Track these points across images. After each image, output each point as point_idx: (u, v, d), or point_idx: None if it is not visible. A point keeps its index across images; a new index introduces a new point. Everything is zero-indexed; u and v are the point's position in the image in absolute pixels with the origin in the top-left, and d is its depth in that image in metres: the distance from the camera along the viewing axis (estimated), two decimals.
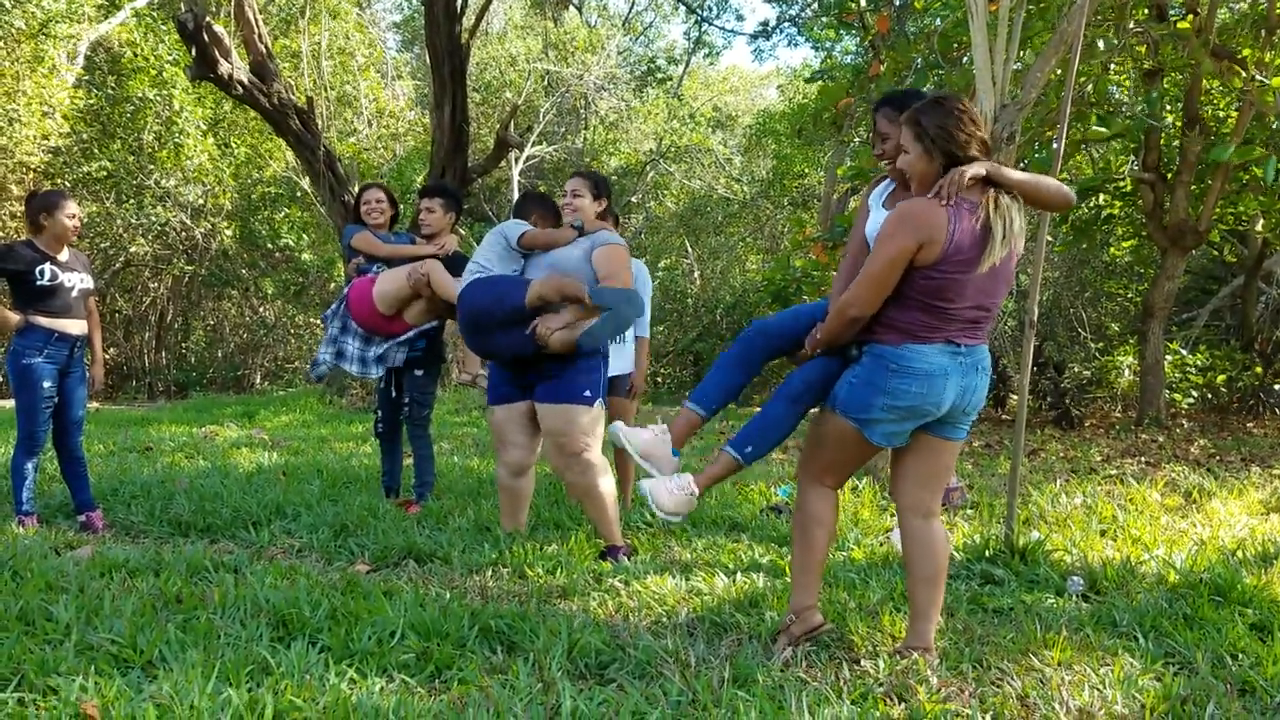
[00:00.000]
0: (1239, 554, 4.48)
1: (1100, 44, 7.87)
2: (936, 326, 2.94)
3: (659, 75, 23.81)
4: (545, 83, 21.86)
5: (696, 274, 21.81)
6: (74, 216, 5.12)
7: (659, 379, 19.07)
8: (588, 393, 4.40)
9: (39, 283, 4.99)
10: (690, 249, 22.21)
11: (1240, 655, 3.10)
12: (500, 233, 4.65)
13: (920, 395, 2.94)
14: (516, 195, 20.02)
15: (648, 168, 22.74)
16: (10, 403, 5.10)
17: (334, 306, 5.55)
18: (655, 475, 3.28)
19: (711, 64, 27.14)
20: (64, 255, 5.14)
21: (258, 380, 20.02)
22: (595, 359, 4.45)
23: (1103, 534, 4.99)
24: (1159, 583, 3.99)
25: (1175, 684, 2.82)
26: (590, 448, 4.39)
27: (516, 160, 19.85)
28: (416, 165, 18.29)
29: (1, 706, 2.47)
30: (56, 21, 15.04)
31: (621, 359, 5.43)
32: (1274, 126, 8.01)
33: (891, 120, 3.27)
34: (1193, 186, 10.88)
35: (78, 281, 5.16)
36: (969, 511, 5.67)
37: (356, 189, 6.17)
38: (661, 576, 4.03)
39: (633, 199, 22.80)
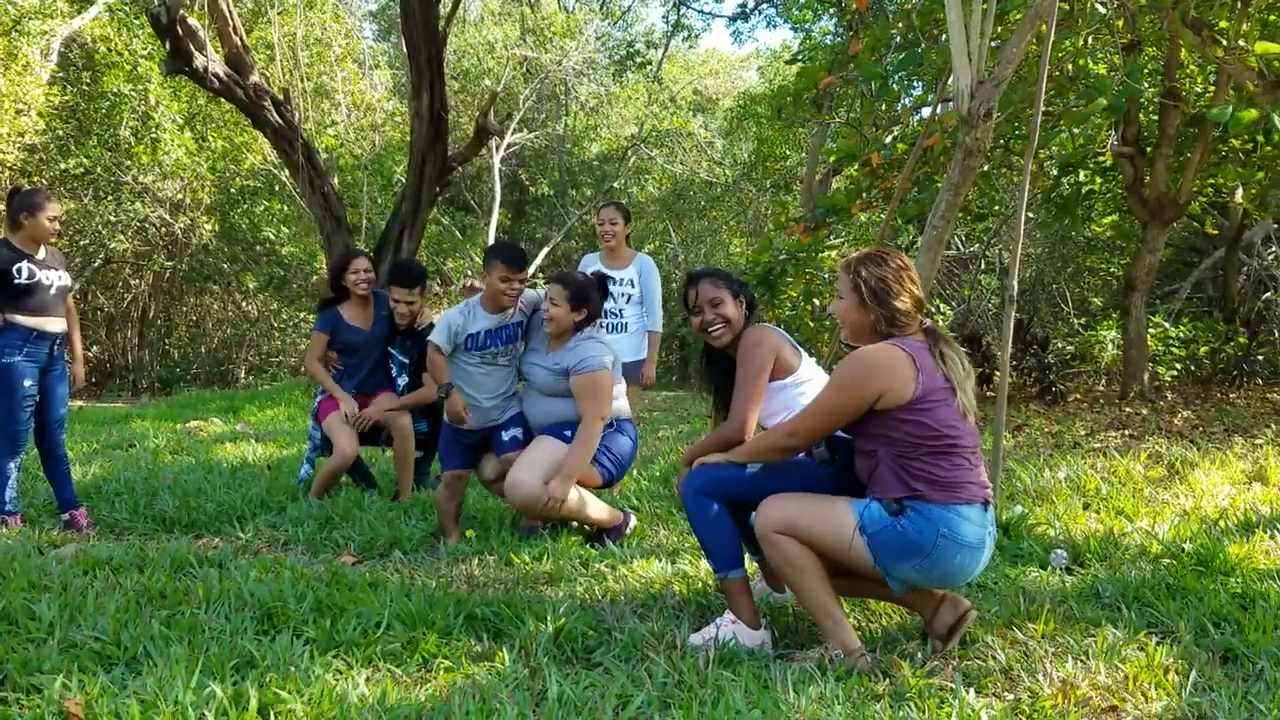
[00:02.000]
0: (1221, 523, 4.51)
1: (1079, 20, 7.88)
2: (969, 476, 2.86)
3: (638, 59, 23.67)
4: (524, 69, 21.76)
5: (681, 259, 21.79)
6: (55, 219, 5.09)
7: None
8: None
9: (17, 281, 4.95)
10: (674, 234, 22.19)
11: (1223, 623, 3.13)
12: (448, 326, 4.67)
13: (961, 566, 2.84)
14: (498, 184, 20.02)
15: (629, 153, 22.68)
16: None
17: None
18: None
19: (691, 47, 27.03)
20: (41, 253, 5.10)
21: (242, 375, 19.94)
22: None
23: (1086, 507, 5.02)
24: (1142, 554, 4.02)
25: (1158, 653, 2.83)
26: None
27: (497, 148, 19.78)
28: (396, 155, 18.21)
29: None
30: (29, 18, 14.91)
31: (629, 346, 5.56)
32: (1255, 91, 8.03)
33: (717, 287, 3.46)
34: (1172, 159, 10.91)
35: (56, 279, 5.12)
36: None
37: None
38: (648, 560, 4.04)
39: (615, 185, 22.74)
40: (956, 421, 2.86)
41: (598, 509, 4.48)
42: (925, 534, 2.79)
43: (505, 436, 4.74)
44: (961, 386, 2.91)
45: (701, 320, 3.42)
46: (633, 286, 5.76)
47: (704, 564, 3.95)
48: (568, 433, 4.43)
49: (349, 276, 5.70)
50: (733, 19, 20.46)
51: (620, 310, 5.73)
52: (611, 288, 5.65)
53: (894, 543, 2.81)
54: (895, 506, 2.84)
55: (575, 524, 4.65)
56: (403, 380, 5.78)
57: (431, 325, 5.69)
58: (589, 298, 4.47)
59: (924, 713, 2.45)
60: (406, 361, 5.78)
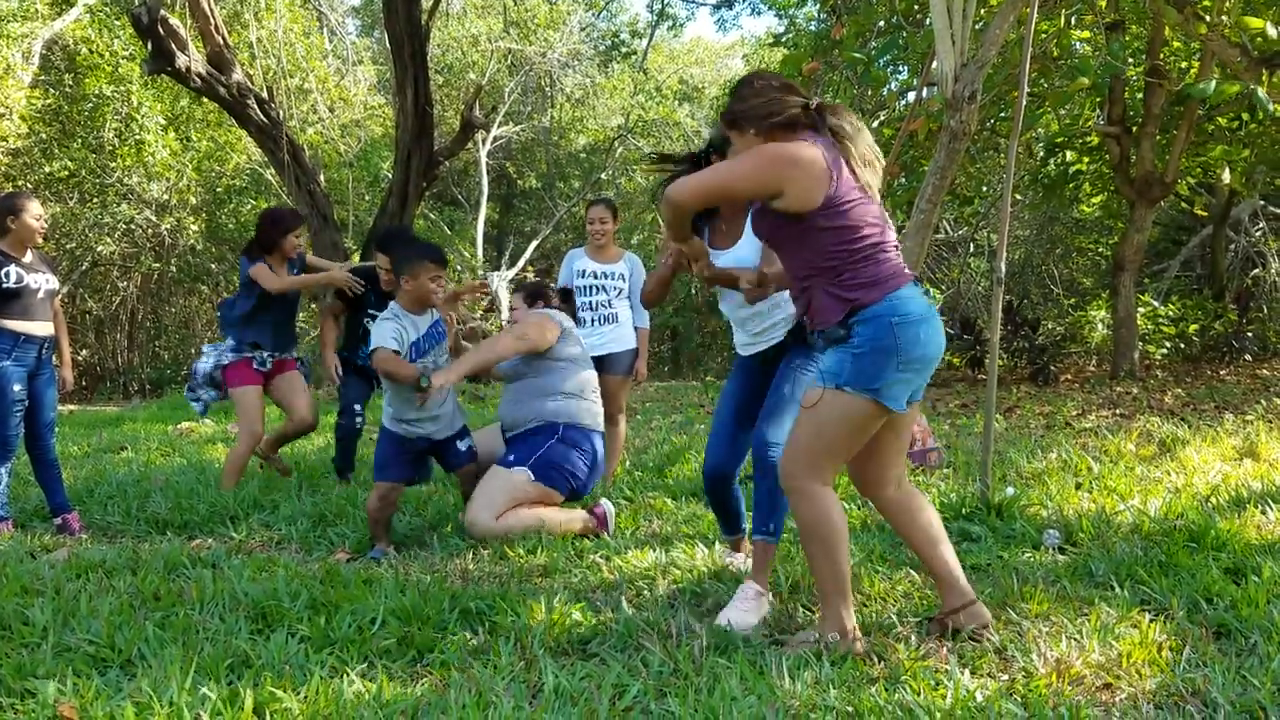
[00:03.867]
0: (1212, 500, 4.53)
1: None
2: (895, 267, 2.84)
3: (623, 50, 23.66)
4: (508, 62, 21.71)
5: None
6: (40, 218, 5.06)
7: None
8: (510, 458, 4.58)
9: (4, 286, 4.92)
10: (662, 224, 22.17)
11: (1215, 599, 3.14)
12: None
13: (928, 340, 2.80)
14: (485, 179, 19.97)
15: (616, 144, 22.65)
16: None
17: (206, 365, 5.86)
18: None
19: (675, 36, 27.01)
20: (28, 257, 5.08)
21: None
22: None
23: (1078, 487, 5.03)
24: (1134, 532, 4.03)
25: (1151, 630, 2.84)
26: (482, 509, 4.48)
27: (483, 142, 19.74)
28: (382, 151, 18.16)
29: None
30: (8, 21, 14.81)
31: (620, 336, 5.70)
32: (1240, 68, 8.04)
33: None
34: (1158, 138, 10.94)
35: (43, 283, 5.10)
36: (946, 471, 5.70)
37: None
38: (642, 550, 4.04)
39: (602, 175, 22.71)
40: (874, 218, 2.84)
41: (562, 520, 4.45)
42: (881, 334, 2.75)
43: (462, 447, 4.61)
44: (871, 165, 2.90)
45: None
46: (623, 280, 5.81)
47: (698, 552, 3.96)
48: (511, 458, 4.52)
49: (290, 239, 5.68)
50: (716, 7, 20.45)
51: (610, 302, 5.75)
52: (602, 281, 5.76)
53: (865, 367, 2.75)
54: (841, 333, 2.79)
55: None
56: None
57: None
58: (539, 293, 4.95)
59: (919, 695, 2.46)
60: None
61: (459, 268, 19.68)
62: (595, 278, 5.76)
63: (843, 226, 2.77)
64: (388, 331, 4.29)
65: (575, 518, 4.50)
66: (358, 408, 5.90)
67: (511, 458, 4.53)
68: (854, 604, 2.99)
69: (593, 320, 5.69)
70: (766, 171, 2.76)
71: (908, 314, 2.77)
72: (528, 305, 4.93)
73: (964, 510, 4.41)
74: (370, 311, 5.68)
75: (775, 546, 3.38)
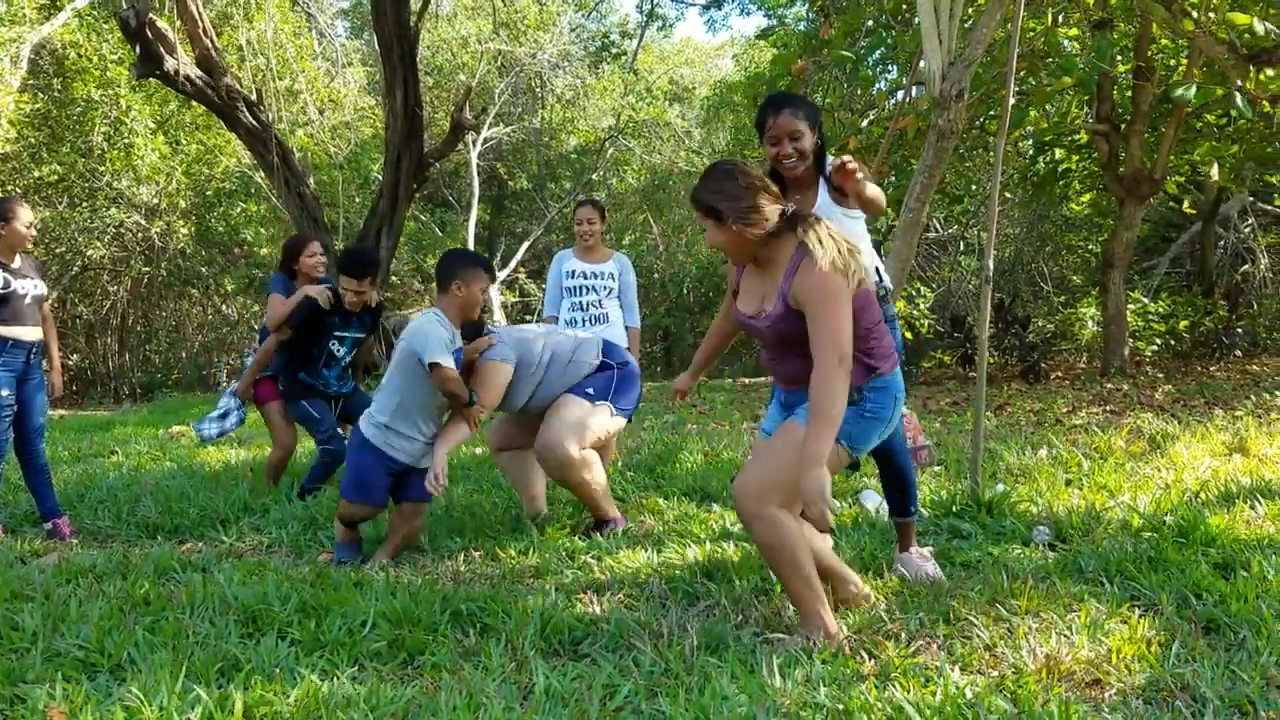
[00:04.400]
0: (1202, 495, 4.54)
1: None
2: (890, 347, 3.12)
3: (613, 50, 23.63)
4: (498, 63, 21.68)
5: (662, 249, 21.79)
6: (30, 224, 5.04)
7: None
8: (589, 390, 4.56)
9: None
10: (654, 224, 22.18)
11: (1204, 594, 3.15)
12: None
13: (896, 417, 3.15)
14: (476, 180, 19.94)
15: (607, 144, 22.64)
16: None
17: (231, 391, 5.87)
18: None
19: (665, 37, 27.00)
20: (16, 262, 5.06)
21: (223, 379, 19.84)
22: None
23: (1068, 484, 5.04)
24: (1124, 528, 4.04)
25: (1141, 626, 2.86)
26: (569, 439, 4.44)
27: (474, 143, 19.72)
28: (372, 153, 18.14)
29: None
30: None
31: (612, 336, 5.61)
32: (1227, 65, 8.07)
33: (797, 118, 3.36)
34: (1146, 135, 10.96)
35: (31, 288, 5.09)
36: (936, 469, 5.71)
37: (284, 243, 5.97)
38: (634, 550, 4.04)
39: (594, 176, 22.70)
40: (873, 300, 3.06)
41: (604, 492, 4.49)
42: (885, 405, 3.06)
43: (421, 481, 4.23)
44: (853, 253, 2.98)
45: (778, 152, 3.34)
46: (613, 280, 5.82)
47: (690, 551, 3.96)
48: (590, 390, 4.48)
49: (305, 260, 5.68)
50: (706, 7, 20.42)
51: (600, 302, 5.75)
52: (592, 281, 5.77)
53: (866, 429, 3.04)
54: (855, 396, 2.95)
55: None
56: (346, 360, 5.63)
57: (381, 304, 5.76)
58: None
59: (909, 692, 2.46)
60: (362, 336, 5.67)
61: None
62: (585, 278, 5.76)
63: (860, 309, 2.97)
64: (442, 341, 4.09)
65: (610, 498, 4.57)
66: (339, 432, 5.76)
67: (590, 390, 4.47)
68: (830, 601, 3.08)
69: (583, 320, 5.69)
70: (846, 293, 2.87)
71: (901, 391, 3.12)
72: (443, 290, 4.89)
73: (954, 507, 4.42)
74: (336, 334, 5.53)
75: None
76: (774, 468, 2.91)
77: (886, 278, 3.66)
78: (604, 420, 4.46)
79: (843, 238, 2.93)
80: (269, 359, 5.67)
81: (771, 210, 2.93)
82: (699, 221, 3.06)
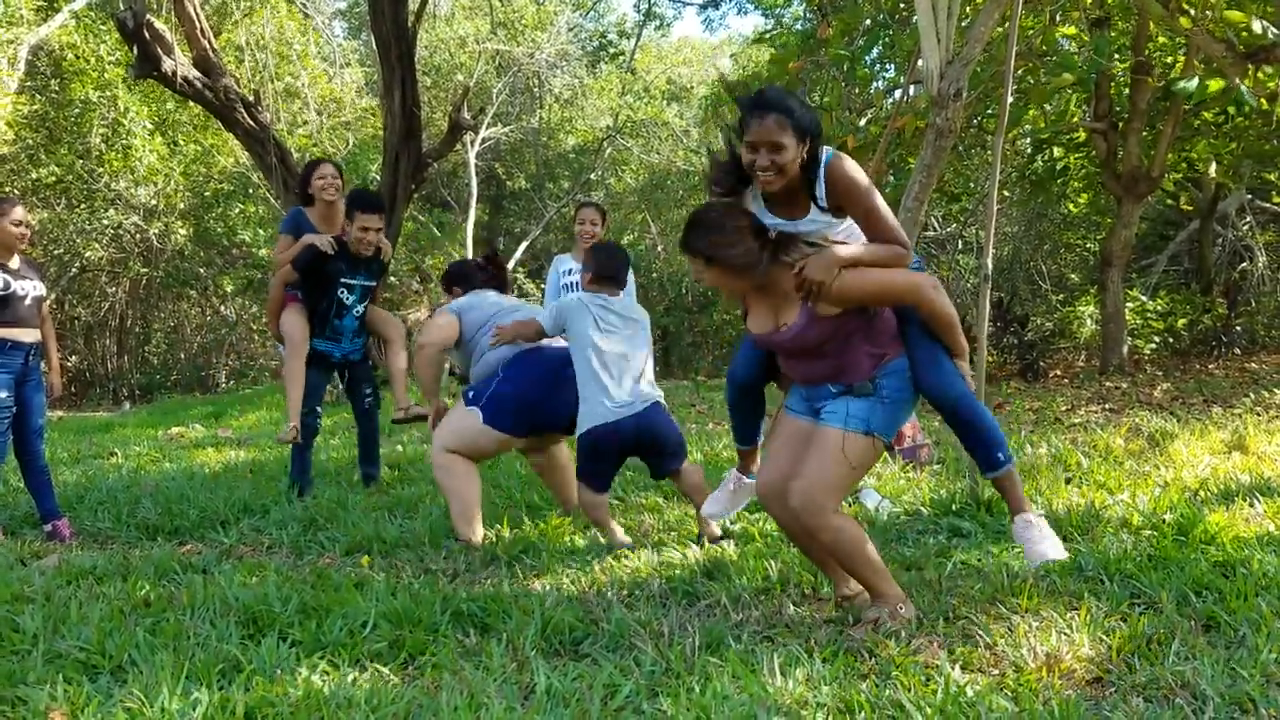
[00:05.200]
0: (1201, 493, 4.55)
1: None
2: (893, 328, 3.07)
3: (611, 50, 23.63)
4: (496, 63, 21.67)
5: (660, 249, 21.78)
6: (21, 223, 5.03)
7: None
8: (470, 394, 4.54)
9: None
10: (653, 224, 22.17)
11: (1204, 592, 3.15)
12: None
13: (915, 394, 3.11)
14: (474, 180, 19.94)
15: (605, 144, 22.63)
16: None
17: None
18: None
19: (663, 36, 26.98)
20: (14, 263, 5.06)
21: (222, 380, 19.84)
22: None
23: (1068, 482, 5.05)
24: (1123, 526, 4.05)
25: (1141, 624, 2.86)
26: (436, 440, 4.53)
27: (472, 143, 19.70)
28: (370, 154, 18.12)
29: None
30: None
31: None
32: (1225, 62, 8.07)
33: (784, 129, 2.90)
34: (1144, 133, 10.97)
35: (31, 289, 5.09)
36: (936, 467, 5.72)
37: (304, 165, 5.98)
38: (634, 550, 4.04)
39: (592, 176, 22.69)
40: None
41: (462, 515, 4.44)
42: (902, 387, 3.01)
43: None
44: None
45: (753, 161, 2.94)
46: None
47: (691, 551, 3.97)
48: (470, 393, 4.54)
49: (315, 181, 5.67)
50: (703, 6, 20.41)
51: None
52: (577, 279, 5.71)
53: (888, 415, 3.00)
54: (869, 387, 2.98)
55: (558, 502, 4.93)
56: (359, 310, 5.62)
57: (388, 256, 5.80)
58: (455, 277, 5.03)
59: (910, 690, 2.46)
60: (371, 284, 5.65)
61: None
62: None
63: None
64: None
65: (466, 519, 4.45)
66: (319, 409, 5.79)
67: (471, 393, 4.56)
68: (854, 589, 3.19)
69: None
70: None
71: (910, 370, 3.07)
72: (446, 291, 5.02)
73: (954, 506, 4.42)
74: (344, 281, 5.50)
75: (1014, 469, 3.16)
76: (822, 478, 2.95)
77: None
78: (471, 425, 4.41)
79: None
80: (279, 300, 5.64)
81: (761, 248, 2.98)
82: (690, 264, 3.09)
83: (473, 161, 19.90)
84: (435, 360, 4.57)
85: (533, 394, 4.41)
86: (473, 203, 20.16)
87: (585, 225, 5.83)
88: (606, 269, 4.42)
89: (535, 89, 22.72)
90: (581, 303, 4.32)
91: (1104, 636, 2.79)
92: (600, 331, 4.24)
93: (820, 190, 2.95)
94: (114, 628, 3.11)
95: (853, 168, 2.95)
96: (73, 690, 2.63)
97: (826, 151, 2.95)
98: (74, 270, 18.63)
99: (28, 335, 5.05)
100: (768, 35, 14.77)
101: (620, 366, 4.22)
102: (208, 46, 11.01)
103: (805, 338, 3.00)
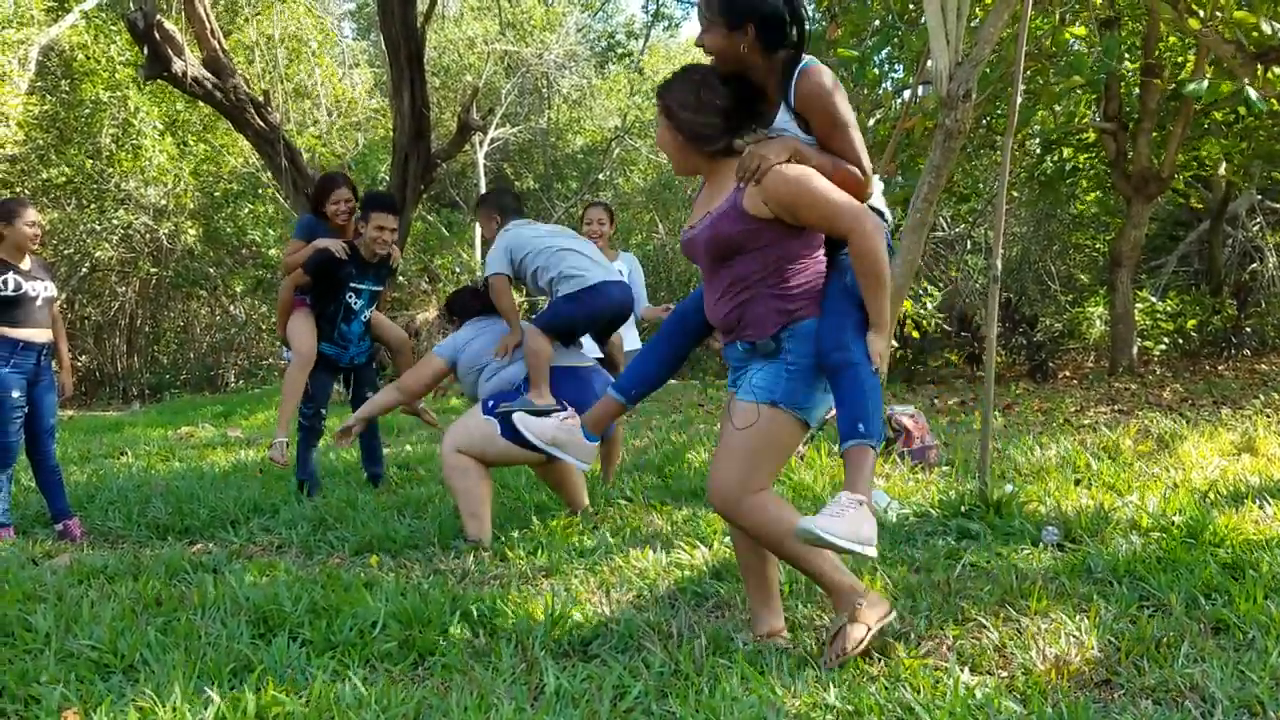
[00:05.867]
0: (1210, 495, 4.54)
1: None
2: (817, 287, 2.77)
3: (619, 50, 23.68)
4: (505, 64, 21.72)
5: (668, 249, 21.78)
6: (34, 224, 5.06)
7: None
8: (489, 403, 4.51)
9: (3, 294, 4.94)
10: (660, 224, 22.19)
11: (1213, 594, 3.14)
12: None
13: None
14: (483, 180, 19.98)
15: (613, 144, 22.66)
16: None
17: None
18: (569, 459, 3.14)
19: (672, 36, 27.04)
20: (26, 264, 5.09)
21: (232, 379, 19.90)
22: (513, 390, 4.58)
23: (1077, 483, 5.04)
24: (1132, 528, 4.04)
25: (1150, 626, 2.85)
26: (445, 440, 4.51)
27: (480, 144, 19.74)
28: (380, 154, 18.17)
29: None
30: (4, 27, 14.82)
31: (626, 338, 5.66)
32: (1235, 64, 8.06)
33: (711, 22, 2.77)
34: (1154, 134, 10.95)
35: (42, 290, 5.12)
36: (944, 469, 5.71)
37: (317, 180, 6.03)
38: (643, 550, 4.04)
39: (599, 176, 22.72)
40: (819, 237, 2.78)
41: (473, 514, 4.46)
42: (809, 349, 2.70)
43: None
44: None
45: None
46: (624, 278, 5.74)
47: (700, 552, 3.97)
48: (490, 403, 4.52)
49: (329, 206, 5.67)
50: None
51: None
52: None
53: (798, 385, 2.71)
54: (772, 345, 2.73)
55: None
56: (366, 315, 5.68)
57: (396, 260, 5.84)
58: (454, 308, 4.96)
59: (919, 693, 2.47)
60: (379, 289, 5.71)
61: (457, 270, 19.68)
62: None
63: (811, 236, 2.75)
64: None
65: (477, 518, 4.48)
66: (324, 410, 5.83)
67: (490, 402, 4.55)
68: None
69: None
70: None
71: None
72: (449, 321, 5.14)
73: (962, 507, 4.42)
74: (353, 285, 5.56)
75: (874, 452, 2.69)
76: (729, 460, 2.74)
77: (888, 213, 3.03)
78: (487, 434, 4.41)
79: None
80: (289, 303, 5.64)
81: (724, 133, 2.78)
82: (659, 110, 2.86)
83: (481, 162, 19.95)
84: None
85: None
86: None
87: (593, 225, 5.84)
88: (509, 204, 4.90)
89: (544, 89, 22.76)
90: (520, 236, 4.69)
91: (1113, 639, 2.79)
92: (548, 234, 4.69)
93: (790, 95, 2.75)
94: (126, 627, 3.13)
95: (826, 77, 2.72)
96: (85, 689, 2.65)
97: (807, 59, 2.74)
98: (84, 270, 18.72)
99: (40, 336, 5.09)
100: None
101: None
102: (218, 47, 11.06)
103: (719, 229, 2.74)
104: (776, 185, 2.63)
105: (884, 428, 3.03)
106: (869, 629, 2.73)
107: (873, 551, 2.51)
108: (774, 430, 2.72)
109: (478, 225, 20.14)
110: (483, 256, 20.66)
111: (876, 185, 2.94)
